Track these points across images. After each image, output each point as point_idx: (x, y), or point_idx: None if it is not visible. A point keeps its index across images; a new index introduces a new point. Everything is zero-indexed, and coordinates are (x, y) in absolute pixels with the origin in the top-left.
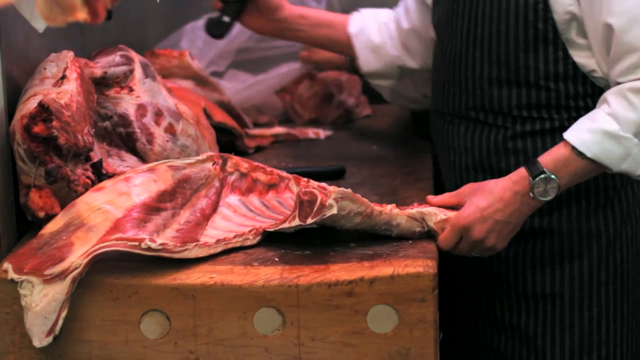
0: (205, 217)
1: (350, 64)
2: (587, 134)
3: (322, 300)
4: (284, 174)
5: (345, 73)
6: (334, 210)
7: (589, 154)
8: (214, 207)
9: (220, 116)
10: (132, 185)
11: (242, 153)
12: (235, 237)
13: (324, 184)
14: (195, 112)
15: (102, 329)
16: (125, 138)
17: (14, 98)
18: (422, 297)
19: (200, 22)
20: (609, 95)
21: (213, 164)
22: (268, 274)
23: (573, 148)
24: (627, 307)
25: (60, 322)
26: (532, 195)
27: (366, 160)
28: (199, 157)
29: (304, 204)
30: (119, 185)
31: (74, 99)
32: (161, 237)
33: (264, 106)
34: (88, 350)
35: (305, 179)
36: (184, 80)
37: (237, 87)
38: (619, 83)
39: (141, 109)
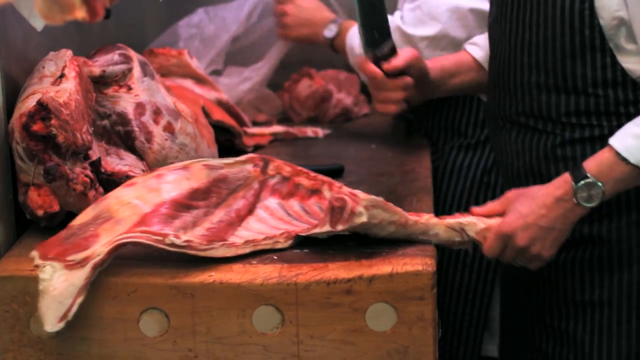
0: (240, 218)
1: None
2: (631, 139)
3: (321, 298)
4: (326, 178)
5: (343, 72)
6: (364, 218)
7: (632, 159)
8: (250, 209)
9: (219, 115)
10: (163, 182)
11: (241, 151)
12: (265, 239)
13: (357, 191)
14: (193, 111)
15: (101, 326)
16: (123, 136)
17: (12, 96)
18: (421, 295)
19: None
20: None
21: (253, 166)
22: (267, 272)
23: (617, 153)
24: None
25: (75, 308)
26: (575, 202)
27: (364, 159)
28: (238, 158)
29: (335, 210)
30: (150, 181)
31: (72, 98)
32: (188, 235)
33: (262, 105)
34: (87, 348)
35: (338, 184)
36: (183, 79)
37: (234, 81)
38: None
39: (140, 107)
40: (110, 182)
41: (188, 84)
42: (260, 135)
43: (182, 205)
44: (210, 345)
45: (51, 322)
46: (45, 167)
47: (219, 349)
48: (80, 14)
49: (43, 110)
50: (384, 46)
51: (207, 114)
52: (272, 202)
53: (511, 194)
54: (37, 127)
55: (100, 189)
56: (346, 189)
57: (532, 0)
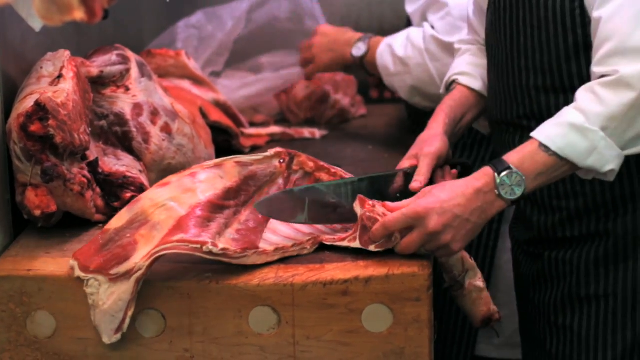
0: (266, 218)
1: (361, 63)
2: (552, 127)
3: (317, 299)
4: (348, 175)
5: (340, 73)
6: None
7: (553, 147)
8: None
9: (216, 115)
10: (197, 182)
11: (238, 152)
12: (293, 246)
13: (386, 205)
14: (191, 112)
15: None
16: (121, 137)
17: (10, 97)
18: (417, 297)
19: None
20: (579, 91)
21: (280, 162)
22: (263, 273)
23: (539, 144)
24: None
25: (128, 321)
26: (497, 193)
27: (362, 160)
28: (267, 154)
29: (367, 230)
30: (184, 180)
31: (70, 98)
32: (222, 240)
33: (260, 106)
34: (84, 348)
35: (371, 202)
36: (180, 79)
37: (234, 84)
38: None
39: (137, 108)
40: (107, 182)
41: (186, 84)
42: (257, 136)
43: (217, 206)
44: (207, 346)
45: (108, 335)
46: (43, 168)
47: (215, 349)
48: (79, 14)
49: (41, 110)
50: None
51: (204, 115)
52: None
53: (428, 187)
54: (34, 127)
55: (98, 189)
56: (379, 208)
57: (525, 3)
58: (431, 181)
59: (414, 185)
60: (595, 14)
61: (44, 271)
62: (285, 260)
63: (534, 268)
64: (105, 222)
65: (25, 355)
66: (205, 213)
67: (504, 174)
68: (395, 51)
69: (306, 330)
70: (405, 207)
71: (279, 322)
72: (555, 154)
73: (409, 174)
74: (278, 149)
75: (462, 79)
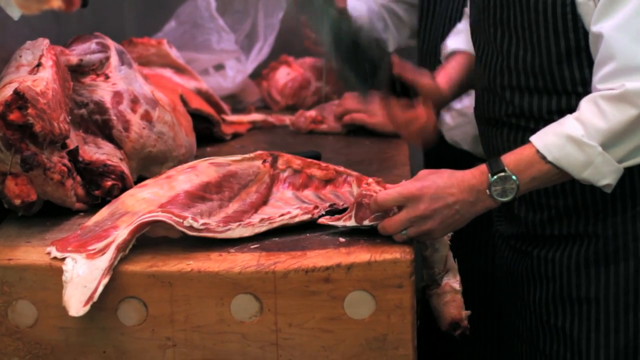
0: (254, 208)
1: None
2: (551, 136)
3: (299, 286)
4: (341, 169)
5: (322, 60)
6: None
7: (549, 157)
8: (264, 200)
9: (197, 103)
10: (173, 179)
11: (219, 140)
12: (280, 215)
13: (386, 186)
14: (171, 99)
15: (80, 316)
16: (101, 125)
17: None
18: (399, 283)
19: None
20: (583, 101)
21: (262, 162)
22: (245, 260)
23: (537, 151)
24: None
25: (100, 289)
26: (488, 193)
27: (342, 146)
28: (246, 156)
29: (362, 206)
30: (161, 180)
31: (49, 87)
32: (204, 220)
33: (241, 93)
34: (65, 337)
35: (369, 179)
36: (162, 68)
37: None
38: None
39: (117, 96)
40: (88, 170)
41: (167, 73)
42: (238, 123)
43: (196, 196)
44: (189, 334)
45: (75, 307)
46: (23, 157)
47: (197, 337)
48: (56, 3)
49: (20, 99)
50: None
51: (185, 103)
52: (286, 193)
53: (425, 171)
54: (13, 116)
55: (78, 178)
56: (375, 186)
57: (516, 4)
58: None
59: (406, 116)
60: (594, 28)
61: (24, 260)
62: (267, 248)
63: (523, 265)
64: (85, 211)
65: (6, 345)
66: (186, 200)
67: (497, 175)
68: (450, 104)
69: (288, 318)
70: (401, 186)
71: (260, 309)
72: (551, 163)
73: None
74: (259, 152)
75: (457, 42)
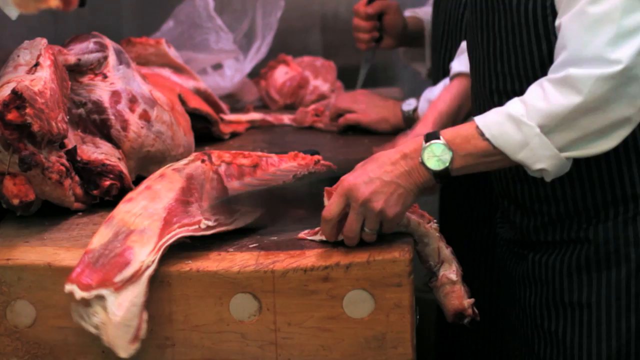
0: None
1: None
2: (493, 114)
3: (298, 285)
4: (260, 153)
5: (320, 58)
6: None
7: (487, 133)
8: (227, 193)
9: (195, 102)
10: (156, 191)
11: (218, 139)
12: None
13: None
14: (170, 99)
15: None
16: (99, 125)
17: None
18: (398, 282)
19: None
20: (531, 85)
21: (202, 162)
22: (244, 259)
23: (477, 127)
24: None
25: (144, 326)
26: (420, 160)
27: (341, 145)
28: (189, 158)
29: None
30: (144, 193)
31: (47, 86)
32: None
33: (239, 92)
34: (64, 337)
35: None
36: (161, 67)
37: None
38: None
39: (115, 95)
40: (86, 170)
41: (166, 72)
42: (237, 122)
43: (184, 201)
44: (188, 334)
45: (124, 349)
46: (21, 156)
47: (196, 337)
48: (54, 2)
49: (18, 99)
50: None
51: (183, 102)
52: (235, 184)
53: (360, 163)
54: (11, 116)
55: (76, 178)
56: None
57: (500, 7)
58: None
59: (362, 9)
60: (557, 22)
61: (23, 260)
62: (265, 247)
63: (519, 268)
64: (84, 211)
65: (5, 345)
66: (181, 207)
67: (431, 143)
68: None
69: (287, 317)
70: (337, 187)
71: (259, 309)
72: (488, 140)
73: None
74: (195, 153)
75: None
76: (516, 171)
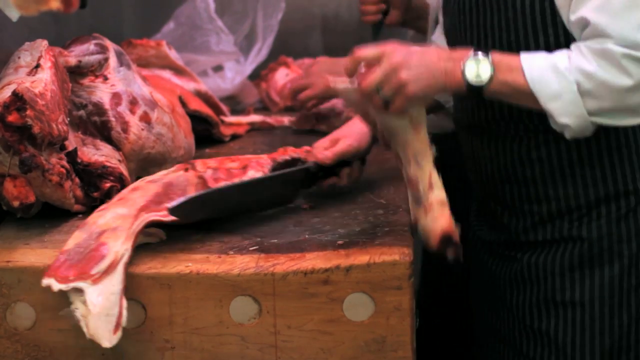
0: None
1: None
2: (539, 58)
3: (298, 288)
4: (249, 156)
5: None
6: None
7: (528, 75)
8: None
9: (196, 104)
10: (128, 199)
11: (218, 141)
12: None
13: None
14: (170, 101)
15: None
16: (100, 127)
17: None
18: (399, 285)
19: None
20: (571, 46)
21: (185, 171)
22: (244, 262)
23: (521, 64)
24: None
25: (125, 313)
26: (462, 67)
27: None
28: (170, 169)
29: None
30: (116, 202)
31: (48, 88)
32: None
33: (239, 94)
34: (64, 339)
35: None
36: (162, 69)
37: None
38: None
39: (116, 97)
40: (86, 172)
41: (166, 74)
42: (237, 124)
43: (156, 202)
44: (188, 336)
45: (107, 338)
46: (21, 158)
47: (196, 339)
48: (55, 4)
49: (18, 100)
50: None
51: (184, 104)
52: (222, 185)
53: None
54: (12, 117)
55: (77, 180)
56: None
57: (492, 5)
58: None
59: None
60: (574, 16)
61: (23, 262)
62: (265, 249)
63: (506, 270)
64: (84, 213)
65: (5, 347)
66: (153, 206)
67: (480, 55)
68: None
69: (287, 320)
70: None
71: (259, 311)
72: (526, 80)
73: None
74: (177, 165)
75: None
76: (505, 173)
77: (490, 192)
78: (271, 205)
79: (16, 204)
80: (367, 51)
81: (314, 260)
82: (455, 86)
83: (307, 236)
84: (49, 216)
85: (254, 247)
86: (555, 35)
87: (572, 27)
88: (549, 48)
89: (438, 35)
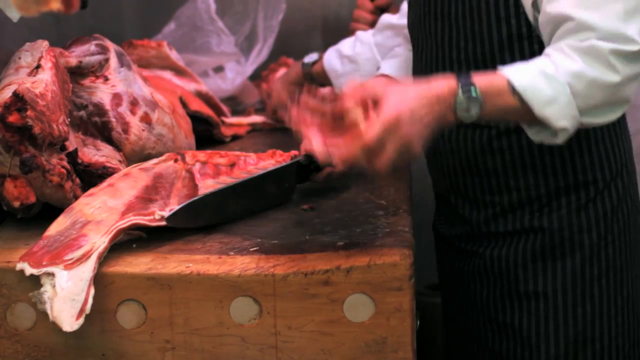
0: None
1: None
2: (523, 69)
3: (299, 289)
4: (238, 153)
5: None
6: None
7: (518, 85)
8: (196, 191)
9: (197, 105)
10: (118, 188)
11: (219, 142)
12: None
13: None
14: (171, 101)
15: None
16: (100, 127)
17: None
18: (399, 286)
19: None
20: (547, 49)
21: (174, 161)
22: (244, 263)
23: (508, 81)
24: (621, 300)
25: (90, 300)
26: (453, 108)
27: None
28: (160, 158)
29: None
30: (106, 189)
31: (48, 89)
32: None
33: (240, 95)
34: (64, 340)
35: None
36: (162, 70)
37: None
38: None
39: (116, 98)
40: (87, 173)
41: (167, 75)
42: (238, 125)
43: (145, 199)
44: (188, 337)
45: (68, 322)
46: (22, 159)
47: (196, 340)
48: (55, 5)
49: (19, 101)
50: None
51: (184, 105)
52: (208, 182)
53: (390, 89)
54: (13, 118)
55: (77, 180)
56: None
57: None
58: None
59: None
60: (550, 8)
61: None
62: (266, 250)
63: (469, 265)
64: None
65: (5, 348)
66: (140, 204)
67: (466, 89)
68: (343, 51)
69: (287, 321)
70: (380, 117)
71: (260, 312)
72: (518, 94)
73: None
74: (168, 153)
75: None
76: (466, 164)
77: (451, 186)
78: (269, 204)
79: (17, 204)
80: (373, 135)
81: (315, 261)
82: (447, 123)
83: (307, 237)
84: (49, 216)
85: (255, 248)
86: (518, 26)
87: (541, 22)
88: (511, 38)
89: (389, 66)
